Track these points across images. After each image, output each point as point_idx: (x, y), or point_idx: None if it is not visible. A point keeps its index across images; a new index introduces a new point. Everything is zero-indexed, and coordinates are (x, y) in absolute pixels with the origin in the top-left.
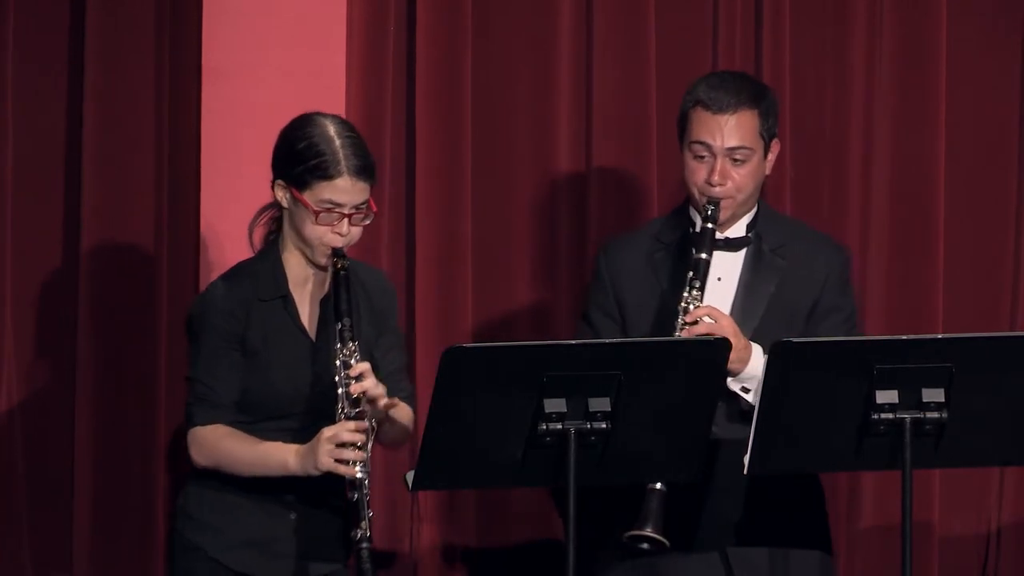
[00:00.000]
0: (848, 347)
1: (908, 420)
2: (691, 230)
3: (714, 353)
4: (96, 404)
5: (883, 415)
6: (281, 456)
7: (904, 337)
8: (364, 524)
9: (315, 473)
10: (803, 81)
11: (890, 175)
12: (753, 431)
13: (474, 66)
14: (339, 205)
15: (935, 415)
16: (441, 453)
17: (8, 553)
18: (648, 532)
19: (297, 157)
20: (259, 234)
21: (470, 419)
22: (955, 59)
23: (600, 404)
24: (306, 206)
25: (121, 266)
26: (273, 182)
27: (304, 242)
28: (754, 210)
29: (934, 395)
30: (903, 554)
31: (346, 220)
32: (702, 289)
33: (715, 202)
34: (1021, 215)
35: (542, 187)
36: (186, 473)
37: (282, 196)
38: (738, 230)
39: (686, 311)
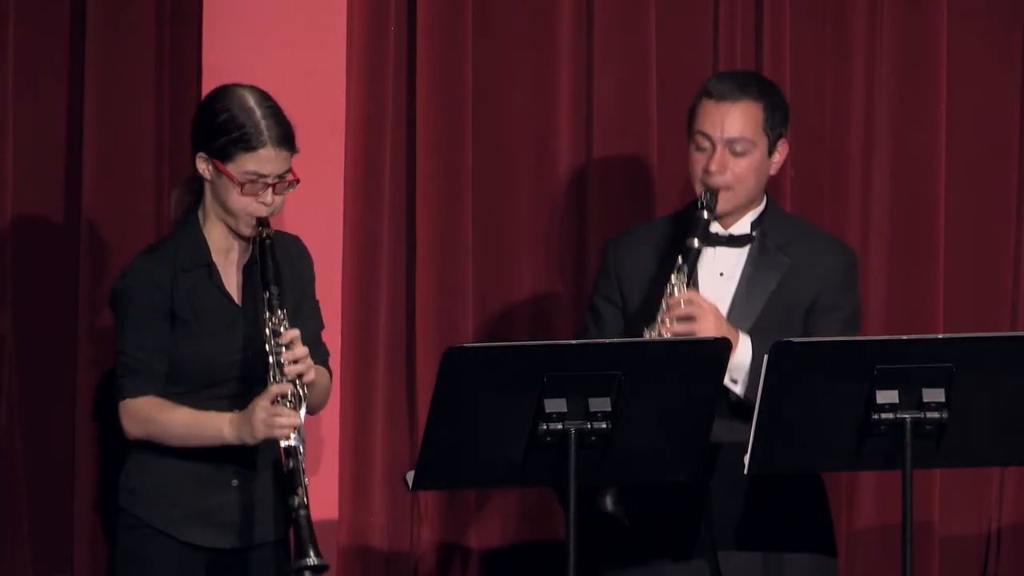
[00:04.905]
0: (848, 347)
1: (908, 420)
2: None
3: (714, 353)
4: (96, 405)
5: (883, 415)
6: (215, 425)
7: (904, 337)
8: (300, 491)
9: (251, 442)
10: (803, 81)
11: (890, 175)
12: (753, 431)
13: (474, 66)
14: (263, 175)
15: (935, 415)
16: (441, 453)
17: (9, 554)
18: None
19: (218, 129)
20: (181, 211)
21: (470, 419)
22: (955, 59)
23: (600, 404)
24: (230, 178)
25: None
26: (194, 154)
27: (228, 213)
28: (761, 208)
29: (934, 395)
30: (903, 554)
31: (270, 190)
32: (690, 276)
33: (712, 191)
34: (1021, 215)
35: (542, 187)
36: (124, 448)
37: (204, 168)
38: (743, 227)
39: (671, 295)
